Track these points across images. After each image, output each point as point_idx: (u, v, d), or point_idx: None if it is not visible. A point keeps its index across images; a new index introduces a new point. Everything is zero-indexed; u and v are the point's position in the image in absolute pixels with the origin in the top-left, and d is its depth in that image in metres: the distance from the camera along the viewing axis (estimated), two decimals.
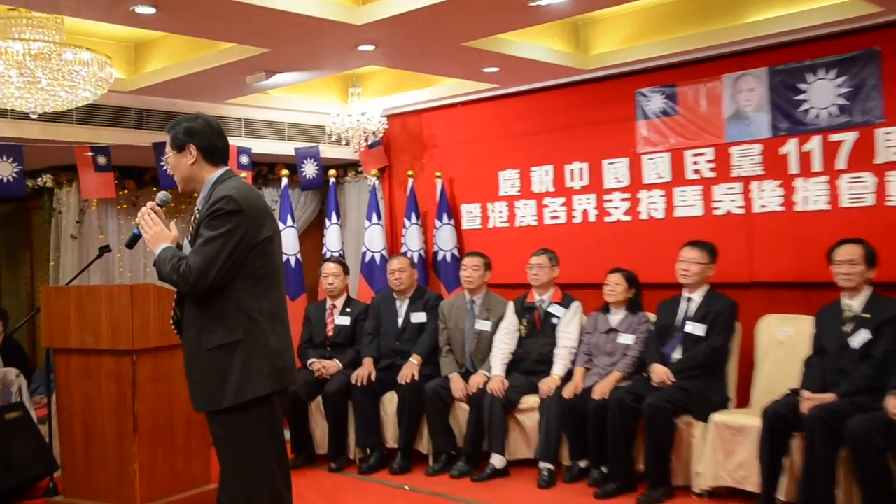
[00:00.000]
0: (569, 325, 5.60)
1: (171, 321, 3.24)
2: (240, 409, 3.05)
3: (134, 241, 3.42)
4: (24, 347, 6.95)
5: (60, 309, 4.69)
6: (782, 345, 5.09)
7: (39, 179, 6.95)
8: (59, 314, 4.70)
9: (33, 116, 4.87)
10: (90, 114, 5.95)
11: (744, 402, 5.18)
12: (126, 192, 7.18)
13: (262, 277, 3.10)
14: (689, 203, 5.84)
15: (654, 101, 5.98)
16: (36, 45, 4.43)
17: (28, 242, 7.98)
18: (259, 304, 3.09)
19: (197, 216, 3.17)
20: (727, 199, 5.67)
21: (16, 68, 4.41)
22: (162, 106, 6.34)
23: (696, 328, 5.08)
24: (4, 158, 5.72)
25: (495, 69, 5.98)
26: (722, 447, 4.71)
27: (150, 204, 3.24)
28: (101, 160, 6.15)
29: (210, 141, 3.19)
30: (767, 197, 5.50)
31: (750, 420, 4.64)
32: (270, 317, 3.12)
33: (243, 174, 6.53)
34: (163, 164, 6.29)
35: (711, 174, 5.74)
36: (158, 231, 3.17)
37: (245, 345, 3.05)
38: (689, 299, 5.20)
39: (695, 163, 5.81)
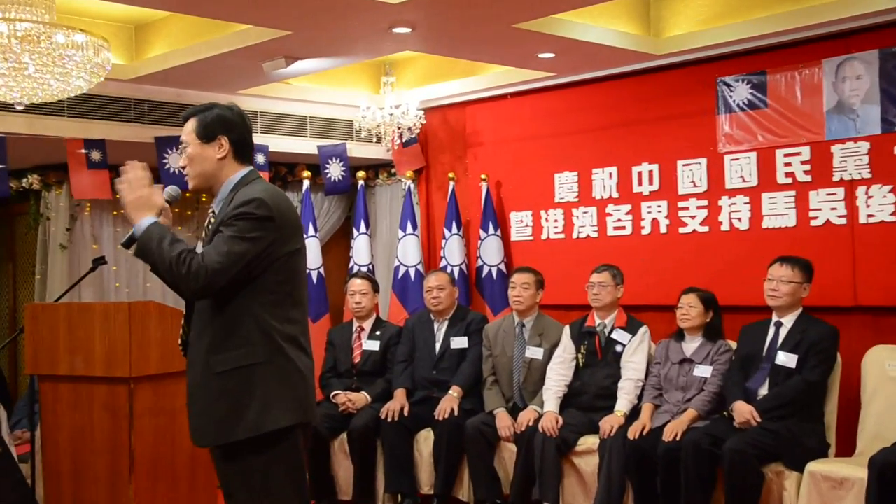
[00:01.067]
0: (635, 353, 5.56)
1: (179, 341, 3.23)
2: (257, 443, 3.02)
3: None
4: (4, 374, 7.03)
5: (47, 329, 4.72)
6: (895, 381, 5.00)
7: (24, 180, 7.03)
8: (45, 336, 4.73)
9: (19, 108, 4.92)
10: (84, 105, 6.03)
11: (846, 448, 5.09)
12: None
13: (285, 294, 3.09)
14: (779, 212, 5.78)
15: (738, 92, 5.93)
16: (23, 26, 4.47)
17: (10, 253, 8.08)
18: (281, 324, 3.07)
19: (212, 219, 3.16)
20: (826, 208, 5.60)
21: None
22: (166, 97, 6.41)
23: (787, 359, 5.02)
24: None
25: (551, 55, 5.97)
26: (819, 502, 4.62)
27: (131, 163, 3.10)
28: (96, 156, 6.22)
29: (243, 135, 3.20)
30: (876, 205, 5.42)
31: (854, 471, 4.56)
32: (293, 340, 3.10)
33: None
34: (166, 162, 6.35)
35: (807, 178, 5.67)
36: (144, 196, 3.04)
37: (266, 368, 3.03)
38: (778, 325, 5.14)
39: (787, 164, 5.75)
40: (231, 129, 3.16)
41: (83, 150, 6.18)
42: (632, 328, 5.65)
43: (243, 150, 3.20)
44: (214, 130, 3.14)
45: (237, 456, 3.05)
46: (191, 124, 3.16)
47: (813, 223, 5.65)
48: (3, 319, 8.12)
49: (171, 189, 3.24)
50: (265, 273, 3.04)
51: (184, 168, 3.20)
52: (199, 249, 3.07)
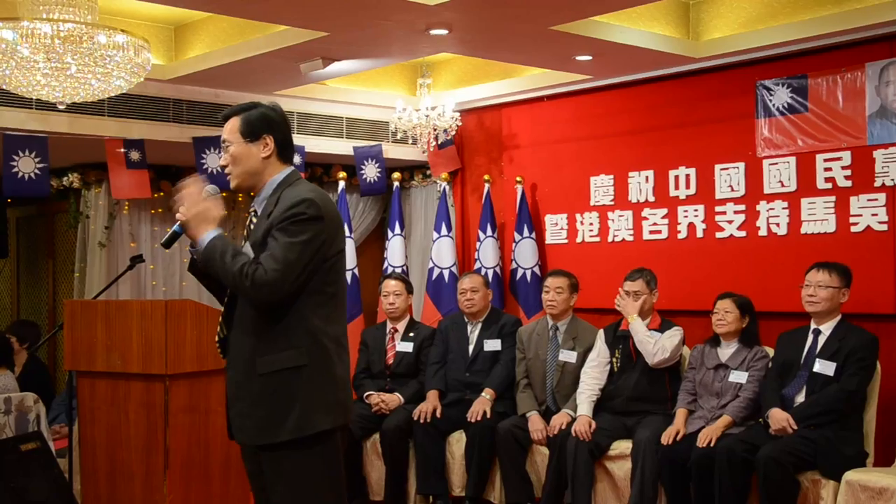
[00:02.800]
0: (664, 337, 5.53)
1: (217, 339, 3.23)
2: (300, 444, 3.04)
3: (174, 239, 3.19)
4: (48, 370, 7.11)
5: (86, 326, 4.77)
6: None
7: (65, 179, 7.13)
8: (84, 332, 4.78)
9: (61, 107, 4.98)
10: (123, 105, 6.09)
11: (886, 458, 5.04)
12: (161, 194, 7.31)
13: (330, 296, 3.11)
14: (818, 217, 5.74)
15: (778, 96, 5.89)
16: (66, 27, 4.52)
17: (51, 250, 8.19)
18: (326, 325, 3.09)
19: (254, 219, 3.18)
20: (867, 213, 5.54)
21: (43, 52, 4.52)
22: (204, 97, 6.47)
23: (824, 367, 4.97)
24: (27, 153, 5.87)
25: (588, 57, 5.95)
26: None
27: (185, 181, 3.14)
28: (135, 156, 6.28)
29: (286, 135, 3.22)
30: None
31: (894, 480, 4.49)
32: (337, 341, 3.13)
33: None
34: (204, 162, 6.39)
35: (848, 183, 5.62)
36: (201, 211, 3.07)
37: (311, 371, 3.05)
38: (816, 332, 5.09)
39: (827, 169, 5.70)
40: (275, 128, 3.17)
41: (122, 150, 6.24)
42: (664, 329, 5.60)
43: (286, 149, 3.21)
44: (259, 129, 3.14)
45: (278, 456, 3.06)
46: (234, 123, 3.16)
47: (853, 229, 5.59)
48: (42, 316, 8.23)
49: (210, 188, 3.23)
50: (315, 274, 3.05)
51: (225, 167, 3.19)
52: (247, 250, 3.10)
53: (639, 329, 5.52)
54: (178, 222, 3.11)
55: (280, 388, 3.03)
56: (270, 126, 3.16)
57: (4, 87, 4.73)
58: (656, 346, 5.47)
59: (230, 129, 3.16)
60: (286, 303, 3.02)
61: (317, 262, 3.04)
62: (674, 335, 5.53)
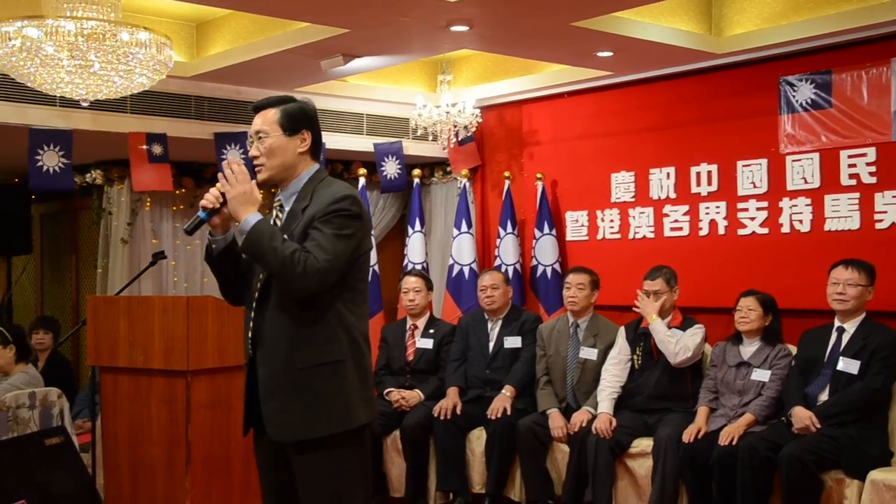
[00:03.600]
0: (685, 335, 5.51)
1: (249, 334, 3.15)
2: (338, 440, 3.04)
3: (198, 225, 3.08)
4: (71, 365, 7.16)
5: (109, 322, 4.81)
6: None
7: (88, 175, 7.18)
8: (107, 328, 4.81)
9: (84, 104, 5.01)
10: (146, 102, 6.13)
11: None
12: (183, 191, 7.36)
13: (360, 292, 3.14)
14: (842, 214, 5.71)
15: (802, 91, 5.86)
16: (89, 24, 4.55)
17: (74, 246, 8.25)
18: (358, 320, 3.11)
19: (279, 214, 3.16)
20: (892, 210, 5.52)
21: (67, 50, 4.55)
22: (225, 94, 6.49)
23: (848, 365, 4.94)
24: (51, 147, 5.90)
25: (609, 53, 5.93)
26: None
27: (233, 158, 3.19)
28: (157, 149, 6.30)
29: (319, 132, 3.22)
30: None
31: None
32: (365, 337, 3.15)
33: None
34: (224, 158, 6.41)
35: (872, 179, 5.59)
36: (247, 190, 3.02)
37: (348, 365, 3.06)
38: (840, 330, 5.06)
39: (852, 165, 5.68)
40: (313, 123, 3.17)
41: (145, 147, 6.27)
42: (686, 327, 5.59)
43: (318, 146, 3.21)
44: (299, 123, 3.13)
45: (314, 451, 3.04)
46: (273, 114, 3.12)
47: (878, 226, 5.56)
48: (66, 311, 8.30)
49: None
50: (350, 270, 3.06)
51: (256, 158, 3.14)
52: None
53: (659, 329, 5.50)
54: (203, 208, 3.06)
55: (320, 382, 3.02)
56: (309, 120, 3.15)
57: (29, 84, 4.76)
58: (678, 345, 5.44)
59: (268, 121, 3.11)
60: (322, 297, 3.01)
61: (352, 258, 3.06)
62: (696, 333, 5.51)
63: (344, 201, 3.03)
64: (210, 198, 3.06)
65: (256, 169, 3.14)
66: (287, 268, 2.92)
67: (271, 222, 3.14)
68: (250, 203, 3.01)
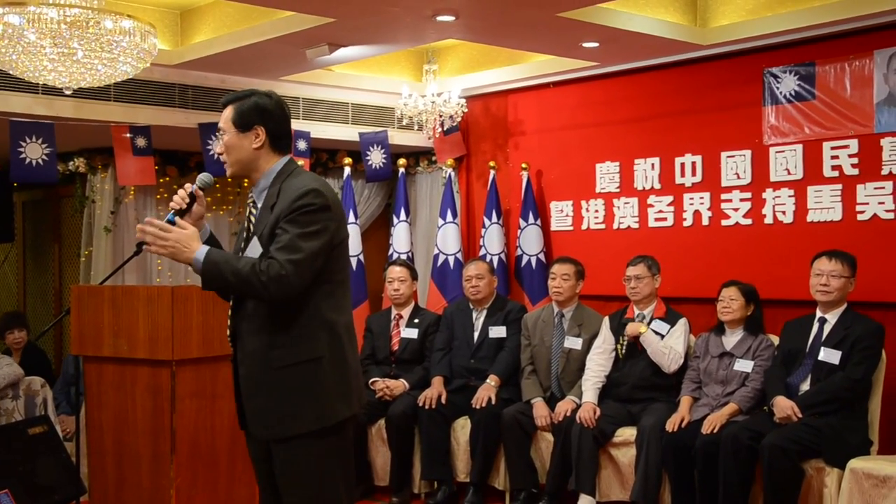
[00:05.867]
0: (670, 338, 5.54)
1: (227, 333, 3.20)
2: (317, 435, 3.05)
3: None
4: (48, 356, 7.12)
5: (92, 312, 4.78)
6: None
7: (71, 164, 7.13)
8: (90, 317, 4.79)
9: (67, 92, 4.99)
10: (130, 90, 6.09)
11: (890, 446, 5.04)
12: (167, 179, 7.33)
13: (338, 284, 3.11)
14: (825, 205, 5.73)
15: (785, 83, 5.88)
16: (72, 12, 4.53)
17: (56, 235, 8.21)
18: (338, 314, 3.10)
19: (253, 210, 3.17)
20: (874, 202, 5.54)
21: (50, 38, 4.52)
22: (210, 82, 6.46)
23: (830, 355, 4.97)
24: (34, 139, 5.87)
25: (595, 44, 5.94)
26: (861, 500, 4.57)
27: (187, 187, 3.13)
28: (141, 142, 6.28)
29: (280, 125, 3.17)
30: None
31: None
32: (348, 329, 3.14)
33: (300, 162, 6.59)
34: (209, 148, 6.40)
35: (854, 171, 5.62)
36: (174, 238, 2.97)
37: (326, 362, 3.05)
38: (822, 320, 5.10)
39: (834, 157, 5.70)
40: (268, 118, 3.13)
41: (128, 136, 6.24)
42: (671, 319, 5.62)
43: (279, 140, 3.17)
44: (251, 120, 3.11)
45: (294, 447, 3.07)
46: (228, 112, 3.14)
47: (860, 217, 5.59)
48: (48, 300, 8.26)
49: (204, 176, 3.23)
50: (325, 263, 3.04)
51: (221, 155, 3.18)
52: (254, 244, 3.08)
53: (652, 341, 5.52)
54: (172, 210, 3.09)
55: (299, 380, 3.03)
56: (262, 116, 3.12)
57: (11, 71, 4.74)
58: (670, 356, 5.48)
59: (224, 118, 3.14)
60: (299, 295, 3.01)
61: (328, 252, 3.03)
62: (680, 334, 5.54)
63: (306, 196, 2.99)
64: (177, 199, 3.10)
65: (224, 165, 3.19)
66: (253, 285, 2.92)
67: (244, 224, 3.17)
68: (184, 245, 2.98)
